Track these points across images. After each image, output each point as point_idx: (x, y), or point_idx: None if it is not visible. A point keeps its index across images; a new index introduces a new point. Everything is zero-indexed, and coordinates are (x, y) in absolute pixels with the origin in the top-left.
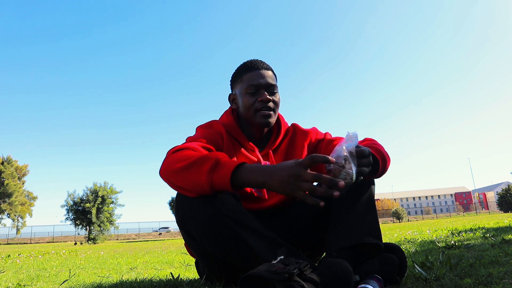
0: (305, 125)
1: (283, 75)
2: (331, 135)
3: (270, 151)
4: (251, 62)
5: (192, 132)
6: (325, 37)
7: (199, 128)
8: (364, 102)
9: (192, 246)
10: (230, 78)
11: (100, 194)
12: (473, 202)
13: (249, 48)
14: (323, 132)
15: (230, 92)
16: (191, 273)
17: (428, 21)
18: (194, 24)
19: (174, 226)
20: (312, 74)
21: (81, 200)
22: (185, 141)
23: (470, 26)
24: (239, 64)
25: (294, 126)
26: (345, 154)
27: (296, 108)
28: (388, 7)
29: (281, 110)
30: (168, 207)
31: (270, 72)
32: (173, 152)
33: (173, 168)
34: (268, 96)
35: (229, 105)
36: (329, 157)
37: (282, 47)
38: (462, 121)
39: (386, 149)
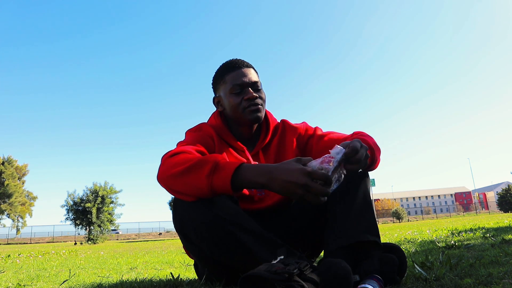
0: None
1: (283, 75)
2: (321, 130)
3: (260, 150)
4: (231, 61)
5: None
6: (325, 37)
7: (188, 132)
8: (364, 102)
9: (190, 250)
10: (212, 81)
11: (100, 194)
12: (473, 202)
13: (249, 48)
14: (313, 126)
15: (214, 95)
16: (191, 273)
17: (428, 21)
18: (193, 24)
19: (126, 227)
20: (312, 74)
21: (81, 200)
22: (176, 146)
23: (470, 26)
24: (218, 66)
25: (284, 122)
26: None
27: (296, 108)
28: (388, 7)
29: (282, 110)
30: (168, 207)
31: (251, 69)
32: (169, 157)
33: (171, 173)
34: (254, 94)
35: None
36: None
37: (282, 47)
38: (462, 121)
39: (376, 141)
